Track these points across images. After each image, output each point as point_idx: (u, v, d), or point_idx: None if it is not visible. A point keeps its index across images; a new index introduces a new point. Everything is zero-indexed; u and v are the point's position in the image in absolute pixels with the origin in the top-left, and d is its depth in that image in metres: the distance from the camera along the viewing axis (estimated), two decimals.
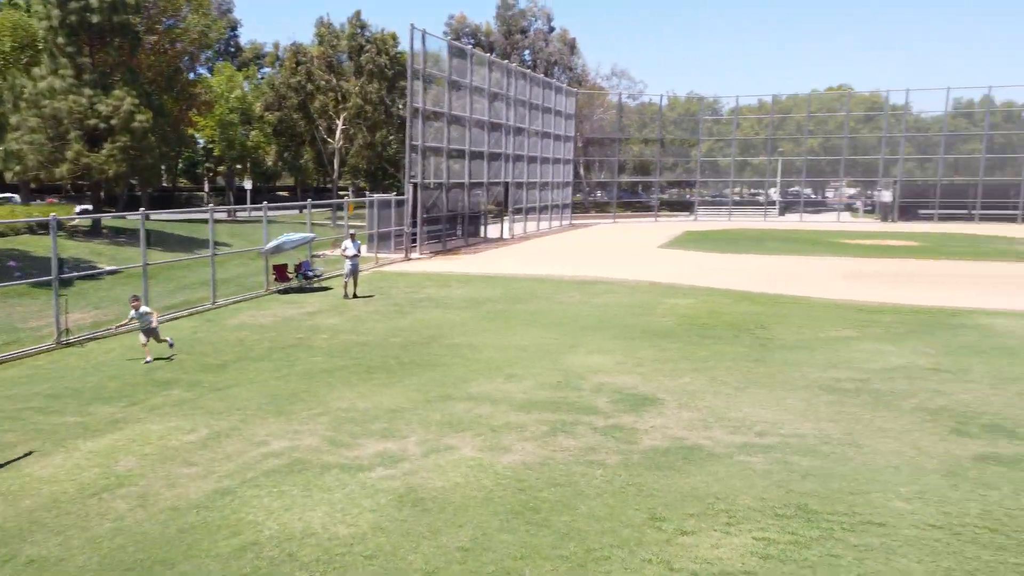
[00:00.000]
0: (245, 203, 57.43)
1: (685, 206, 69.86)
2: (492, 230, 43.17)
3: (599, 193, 79.06)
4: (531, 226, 48.13)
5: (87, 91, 29.77)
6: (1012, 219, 55.28)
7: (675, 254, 34.03)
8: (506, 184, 44.58)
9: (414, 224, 32.88)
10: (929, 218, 57.06)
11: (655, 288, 22.62)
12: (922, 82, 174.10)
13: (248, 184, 59.41)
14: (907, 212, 58.23)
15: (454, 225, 37.64)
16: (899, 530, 7.03)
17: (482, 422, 10.37)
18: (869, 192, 69.69)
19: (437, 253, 34.30)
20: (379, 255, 30.21)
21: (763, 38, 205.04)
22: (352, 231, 22.78)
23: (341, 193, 69.30)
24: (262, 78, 53.24)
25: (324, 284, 23.77)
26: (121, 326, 15.06)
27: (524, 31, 71.70)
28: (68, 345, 15.72)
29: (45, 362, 14.39)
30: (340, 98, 48.64)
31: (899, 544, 6.77)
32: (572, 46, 71.66)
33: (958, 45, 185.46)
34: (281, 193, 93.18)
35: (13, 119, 23.07)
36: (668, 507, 7.67)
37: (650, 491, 8.07)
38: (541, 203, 50.86)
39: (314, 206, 26.73)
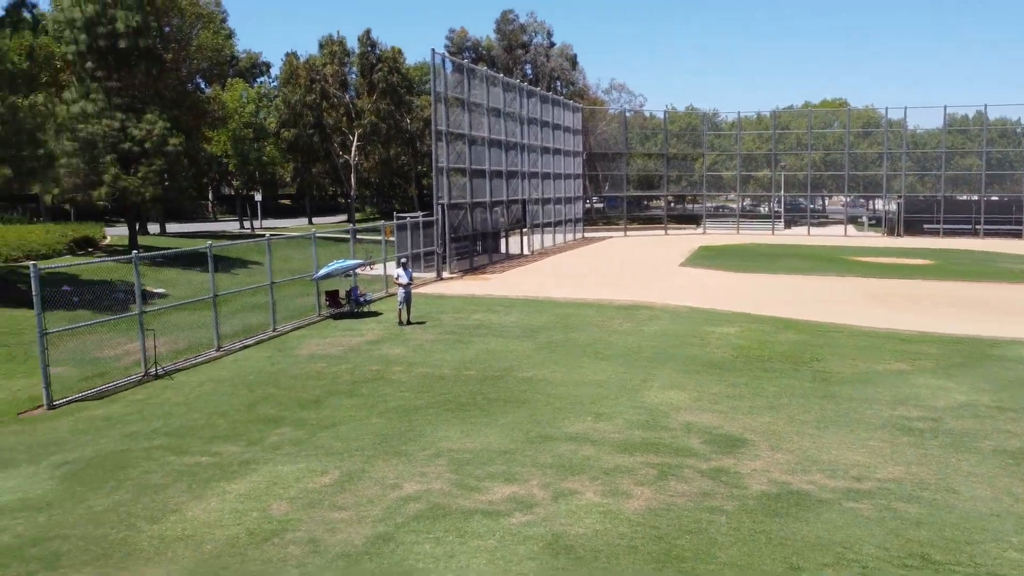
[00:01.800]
0: (253, 214, 58.10)
1: (692, 219, 70.83)
2: (511, 245, 43.92)
3: (603, 206, 79.92)
4: (548, 241, 48.95)
5: (119, 115, 30.30)
6: (1017, 234, 56.45)
7: (699, 273, 34.78)
8: (523, 201, 45.42)
9: (443, 244, 33.61)
10: (934, 232, 58.17)
11: (696, 314, 23.36)
12: (912, 97, 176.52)
13: (259, 196, 60.05)
14: (912, 226, 59.34)
15: (477, 243, 38.36)
16: None
17: (592, 465, 11.05)
18: (872, 207, 70.93)
19: (466, 272, 34.99)
20: (414, 275, 30.87)
21: (753, 50, 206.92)
22: (404, 259, 23.43)
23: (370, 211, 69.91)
24: (277, 94, 53.75)
25: (373, 309, 24.39)
26: None
27: (525, 46, 72.49)
28: (157, 377, 16.31)
29: (143, 396, 14.98)
30: (354, 115, 49.31)
31: None
32: (573, 61, 72.55)
33: (949, 61, 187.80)
34: (284, 202, 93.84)
35: (51, 143, 23.59)
36: (801, 556, 8.38)
37: (779, 539, 8.78)
38: (556, 218, 51.73)
39: (352, 231, 27.37)
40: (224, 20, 57.18)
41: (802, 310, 24.02)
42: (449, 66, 36.57)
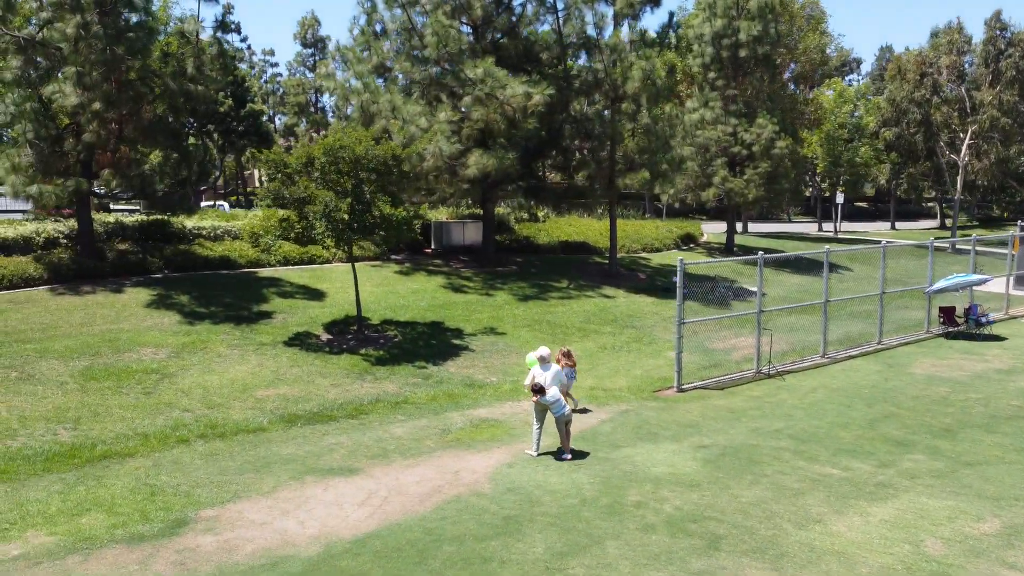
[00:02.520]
0: (833, 215, 56.33)
1: None
2: None
3: None
4: None
5: (732, 120, 31.96)
6: None
7: None
8: None
9: None
10: None
11: None
12: None
13: (840, 198, 58.02)
14: None
15: None
16: None
17: None
18: None
19: None
20: None
21: None
22: None
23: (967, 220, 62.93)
24: (878, 92, 51.01)
25: (993, 332, 21.25)
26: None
27: None
28: (768, 376, 16.70)
29: (759, 393, 15.44)
30: (970, 109, 43.80)
31: None
32: None
33: None
34: (860, 204, 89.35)
35: (677, 149, 25.94)
36: None
37: None
38: None
39: (978, 241, 24.14)
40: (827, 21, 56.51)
41: None
42: None
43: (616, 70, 23.83)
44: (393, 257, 27.35)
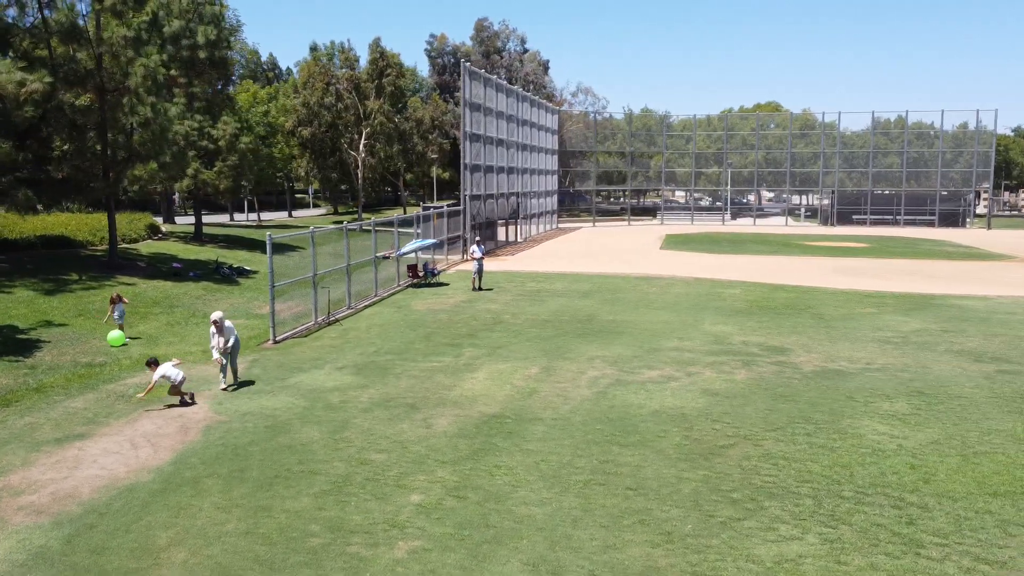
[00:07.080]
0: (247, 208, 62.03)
1: (647, 211, 77.66)
2: (503, 234, 49.29)
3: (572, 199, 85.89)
4: (532, 230, 54.54)
5: (197, 117, 34.60)
6: (931, 223, 65.06)
7: (681, 255, 40.96)
8: (517, 194, 50.90)
9: (466, 230, 38.84)
10: (862, 222, 66.30)
11: (702, 282, 29.38)
12: (834, 99, 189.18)
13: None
14: (843, 217, 67.42)
15: (486, 230, 43.67)
16: (976, 400, 13.89)
17: (698, 360, 16.77)
18: (803, 200, 79.34)
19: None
20: (449, 257, 36.12)
21: (698, 55, 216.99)
22: (478, 238, 28.70)
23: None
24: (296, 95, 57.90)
25: (440, 280, 29.57)
26: None
27: (500, 51, 77.78)
28: (328, 323, 21.26)
29: (336, 334, 19.96)
30: (363, 116, 54.01)
31: (974, 404, 13.61)
32: (545, 67, 78.30)
33: (876, 69, 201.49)
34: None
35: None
36: (850, 394, 14.29)
37: (834, 387, 14.68)
38: (539, 210, 57.38)
39: (402, 222, 32.40)
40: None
41: (783, 279, 30.34)
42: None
43: (114, 63, 24.74)
44: None
